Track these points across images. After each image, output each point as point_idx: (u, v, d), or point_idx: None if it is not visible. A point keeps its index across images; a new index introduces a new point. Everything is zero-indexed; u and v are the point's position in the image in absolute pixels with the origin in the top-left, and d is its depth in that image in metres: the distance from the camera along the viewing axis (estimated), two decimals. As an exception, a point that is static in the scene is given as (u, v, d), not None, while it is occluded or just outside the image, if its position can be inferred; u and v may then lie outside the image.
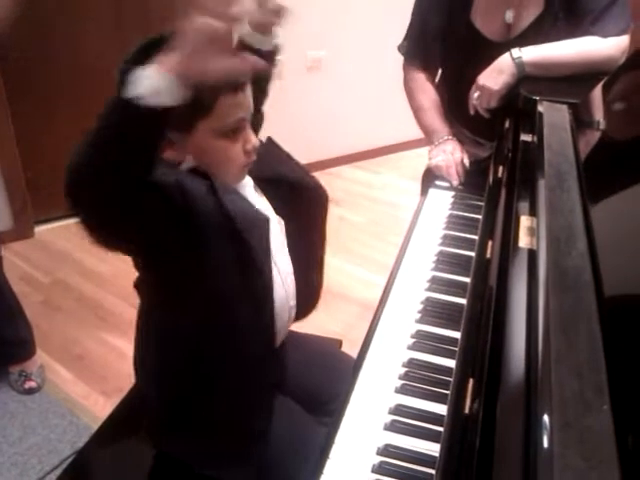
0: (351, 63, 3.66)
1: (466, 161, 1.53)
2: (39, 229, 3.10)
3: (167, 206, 0.88)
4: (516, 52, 1.37)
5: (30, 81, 2.89)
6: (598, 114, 1.27)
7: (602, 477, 0.44)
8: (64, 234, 3.06)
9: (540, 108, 1.24)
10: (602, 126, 1.21)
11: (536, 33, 1.42)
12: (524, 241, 0.82)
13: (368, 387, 0.93)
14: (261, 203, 1.06)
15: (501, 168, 1.15)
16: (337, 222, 3.25)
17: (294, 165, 1.12)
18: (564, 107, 1.25)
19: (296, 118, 3.60)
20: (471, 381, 0.62)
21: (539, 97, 1.28)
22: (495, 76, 1.40)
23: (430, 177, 1.57)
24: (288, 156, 1.12)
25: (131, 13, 3.06)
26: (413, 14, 1.63)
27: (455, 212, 1.44)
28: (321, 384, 1.23)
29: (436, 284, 1.17)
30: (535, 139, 1.12)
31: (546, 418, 0.52)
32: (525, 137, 1.19)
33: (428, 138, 1.63)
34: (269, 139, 1.11)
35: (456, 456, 0.58)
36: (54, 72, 2.93)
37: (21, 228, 3.03)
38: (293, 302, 1.12)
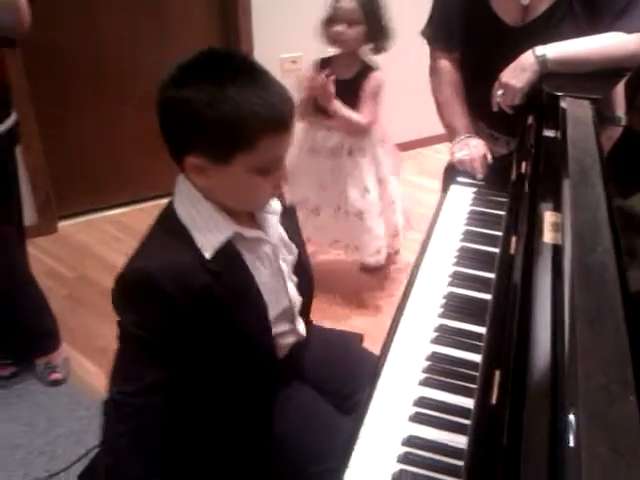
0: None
1: (489, 156, 1.53)
2: (62, 224, 3.15)
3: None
4: (539, 50, 1.37)
5: (54, 79, 2.93)
6: (619, 110, 1.27)
7: (630, 465, 0.45)
8: (87, 229, 3.11)
9: (563, 104, 1.24)
10: (623, 122, 1.21)
11: (550, 19, 1.42)
12: (549, 236, 0.83)
13: (392, 380, 0.94)
14: (277, 235, 1.09)
15: (524, 164, 1.16)
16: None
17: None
18: (587, 103, 1.25)
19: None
20: (497, 373, 0.64)
21: (562, 93, 1.28)
22: (518, 74, 1.40)
23: (451, 173, 1.58)
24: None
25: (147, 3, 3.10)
26: (434, 4, 1.65)
27: (476, 208, 1.44)
28: (344, 378, 1.24)
29: (458, 279, 1.18)
30: (558, 135, 1.13)
31: (572, 410, 0.53)
32: (548, 133, 1.20)
33: (449, 134, 1.63)
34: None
35: (483, 446, 0.59)
36: (77, 69, 2.97)
37: (45, 223, 3.08)
38: (299, 320, 1.18)
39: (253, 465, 1.11)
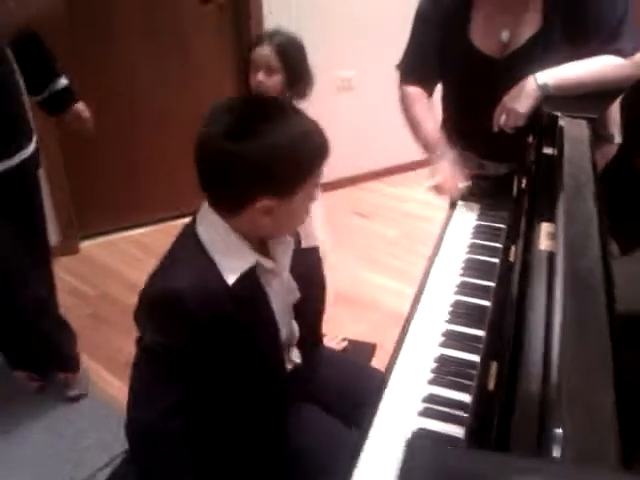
0: (381, 82, 3.77)
1: (462, 176, 1.56)
2: (84, 244, 3.27)
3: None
4: (541, 77, 1.42)
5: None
6: (613, 128, 1.33)
7: (602, 436, 0.52)
8: (108, 249, 3.22)
9: (561, 123, 1.32)
10: (617, 140, 1.28)
11: (533, 50, 1.48)
12: (544, 245, 0.91)
13: (402, 379, 1.02)
14: (284, 263, 1.13)
15: (524, 180, 1.24)
16: (369, 236, 3.34)
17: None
18: (584, 122, 1.33)
19: (329, 135, 3.72)
20: (495, 365, 0.71)
21: (560, 113, 1.36)
22: (522, 100, 1.45)
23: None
24: None
25: (164, 32, 3.22)
26: (412, 34, 1.69)
27: (482, 222, 1.52)
28: (353, 392, 1.28)
29: (464, 288, 1.25)
30: (556, 152, 1.20)
31: (556, 395, 0.60)
32: (547, 150, 1.27)
33: (425, 151, 1.66)
34: None
35: (481, 420, 0.66)
36: (97, 95, 3.09)
37: (67, 243, 3.19)
38: (294, 350, 1.25)
39: (266, 476, 1.16)
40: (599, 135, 1.31)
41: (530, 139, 1.42)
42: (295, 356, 1.25)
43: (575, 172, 1.08)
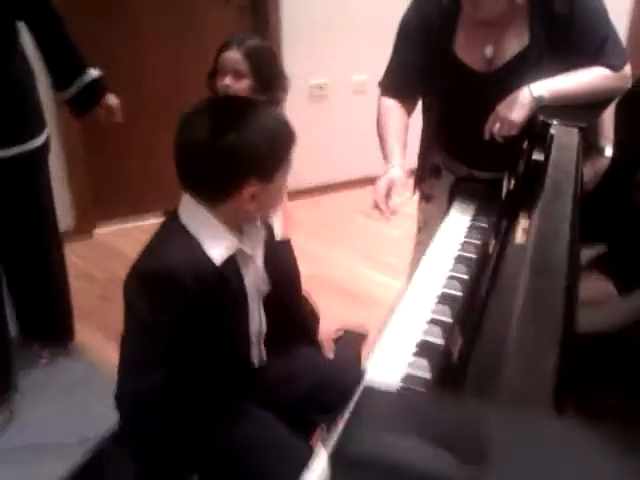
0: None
1: (396, 195, 1.48)
2: (98, 231, 3.38)
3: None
4: (535, 89, 1.46)
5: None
6: (604, 141, 1.39)
7: (540, 387, 0.61)
8: (121, 236, 3.32)
9: (553, 131, 1.39)
10: (607, 153, 1.33)
11: (519, 65, 1.51)
12: (520, 239, 0.99)
13: (385, 360, 1.10)
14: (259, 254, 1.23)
15: (513, 182, 1.31)
16: (372, 236, 3.42)
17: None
18: (575, 130, 1.40)
19: (343, 137, 3.82)
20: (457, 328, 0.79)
21: (553, 121, 1.43)
22: (517, 109, 1.47)
23: (456, 191, 1.73)
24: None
25: (185, 30, 3.33)
26: (394, 50, 1.69)
27: (476, 223, 1.59)
28: (324, 397, 1.30)
29: (452, 281, 1.33)
30: (544, 158, 1.28)
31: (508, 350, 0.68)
32: (537, 156, 1.35)
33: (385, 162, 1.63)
34: None
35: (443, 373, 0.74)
36: (118, 84, 3.17)
37: (82, 229, 3.30)
38: (262, 341, 1.30)
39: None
40: (590, 145, 1.38)
41: (525, 145, 1.49)
42: (262, 352, 1.31)
43: (558, 176, 1.16)
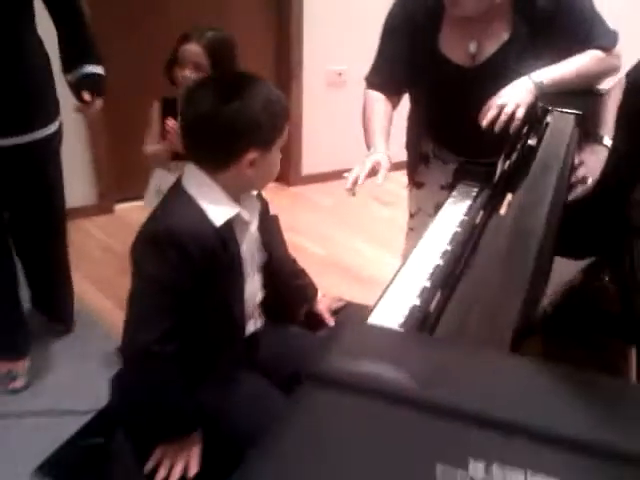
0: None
1: (380, 173, 1.49)
2: (119, 207, 3.51)
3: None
4: (535, 77, 1.50)
5: (120, 73, 3.24)
6: (603, 129, 1.41)
7: (500, 331, 0.69)
8: (140, 212, 3.40)
9: (549, 117, 1.46)
10: (605, 141, 1.36)
11: (502, 59, 1.55)
12: (504, 211, 1.07)
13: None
14: (254, 222, 1.30)
15: (507, 163, 1.39)
16: (385, 222, 3.50)
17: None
18: (571, 117, 1.47)
19: (359, 124, 3.88)
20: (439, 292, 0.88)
21: (551, 107, 1.50)
22: (522, 93, 1.49)
23: (459, 175, 1.80)
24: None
25: (209, 10, 3.41)
26: (380, 45, 1.73)
27: (475, 204, 1.66)
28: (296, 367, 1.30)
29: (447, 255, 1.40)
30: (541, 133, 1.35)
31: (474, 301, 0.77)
32: (532, 141, 1.42)
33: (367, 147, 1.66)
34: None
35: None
36: (143, 62, 3.24)
37: (103, 204, 3.43)
38: (257, 308, 1.37)
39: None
40: (589, 133, 1.42)
41: (525, 130, 1.56)
42: (257, 320, 1.37)
43: (547, 157, 1.23)
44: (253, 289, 1.33)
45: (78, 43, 1.98)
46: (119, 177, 3.41)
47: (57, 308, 2.43)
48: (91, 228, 3.29)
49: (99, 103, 2.02)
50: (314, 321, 1.51)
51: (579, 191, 1.22)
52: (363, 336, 0.66)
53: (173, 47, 1.99)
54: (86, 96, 1.94)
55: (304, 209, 3.74)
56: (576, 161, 1.31)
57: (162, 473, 1.15)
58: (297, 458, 0.48)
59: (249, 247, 1.28)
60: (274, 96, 1.18)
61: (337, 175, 4.20)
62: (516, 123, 1.47)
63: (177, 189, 1.20)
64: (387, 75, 1.71)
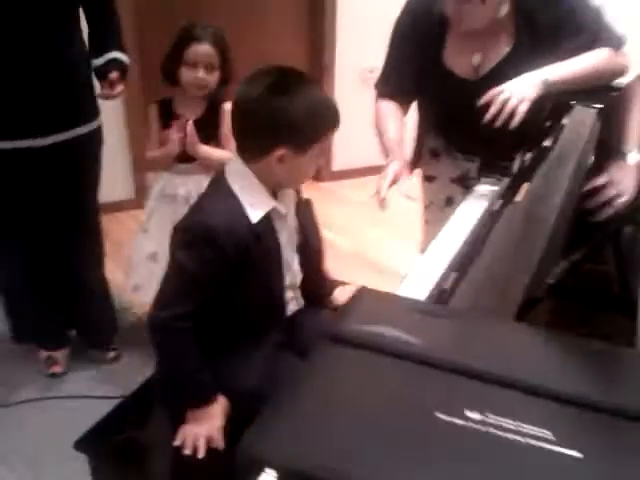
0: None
1: (403, 182, 1.57)
2: (156, 201, 3.62)
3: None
4: (542, 72, 1.48)
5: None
6: (629, 146, 1.34)
7: (507, 302, 0.74)
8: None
9: (572, 111, 1.50)
10: (630, 159, 1.29)
11: (505, 70, 1.54)
12: (519, 198, 1.12)
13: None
14: (293, 218, 1.32)
15: (527, 155, 1.43)
16: (415, 217, 3.53)
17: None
18: (593, 111, 1.49)
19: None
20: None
21: (573, 102, 1.53)
22: (528, 86, 1.45)
23: (483, 168, 1.83)
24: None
25: (245, 11, 3.50)
26: (389, 51, 1.75)
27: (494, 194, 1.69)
28: None
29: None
30: (557, 133, 1.39)
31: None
32: (551, 135, 1.45)
33: (384, 159, 1.69)
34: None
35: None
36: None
37: (140, 199, 3.54)
38: (298, 292, 1.39)
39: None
40: (611, 149, 1.36)
41: (547, 124, 1.59)
42: (299, 299, 1.40)
43: (565, 148, 1.28)
44: (293, 272, 1.36)
45: (109, 30, 2.01)
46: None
47: (96, 331, 2.37)
48: (128, 220, 3.42)
49: (122, 88, 1.97)
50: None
51: (610, 211, 1.18)
52: (374, 302, 0.72)
53: (174, 46, 1.95)
54: (114, 74, 1.91)
55: (334, 204, 3.80)
56: (603, 180, 1.25)
57: (187, 450, 1.19)
58: (314, 406, 0.54)
59: (288, 235, 1.31)
60: (322, 102, 1.18)
61: (367, 171, 4.31)
62: (518, 117, 1.42)
63: (219, 181, 1.23)
64: (396, 85, 1.74)
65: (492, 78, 1.56)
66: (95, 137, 2.03)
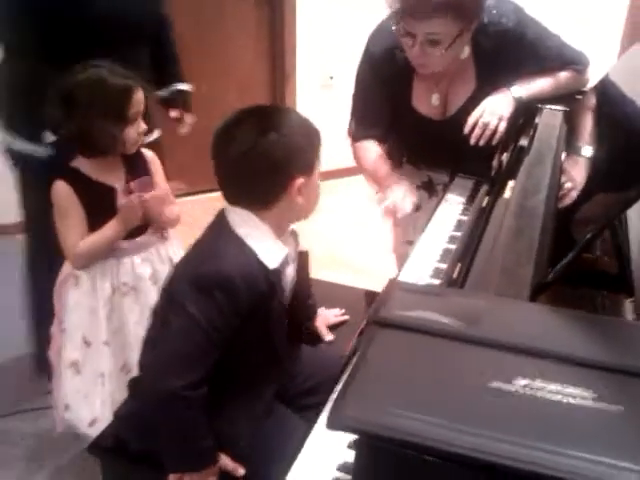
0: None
1: (412, 197, 1.64)
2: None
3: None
4: (515, 92, 1.61)
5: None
6: (582, 141, 1.45)
7: (519, 288, 0.84)
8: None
9: (541, 113, 1.62)
10: (584, 152, 1.40)
11: (473, 108, 1.61)
12: (508, 194, 1.22)
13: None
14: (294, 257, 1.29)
15: (504, 155, 1.55)
16: (382, 220, 3.64)
17: None
18: (560, 113, 1.63)
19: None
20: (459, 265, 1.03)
21: (541, 105, 1.66)
22: (505, 105, 1.59)
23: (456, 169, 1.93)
24: None
25: (209, 25, 3.54)
26: (356, 99, 1.80)
27: (477, 192, 1.79)
28: (311, 386, 1.35)
29: (453, 239, 1.55)
30: (531, 132, 1.51)
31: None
32: (525, 135, 1.57)
33: (379, 189, 1.76)
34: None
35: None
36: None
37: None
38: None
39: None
40: (568, 144, 1.49)
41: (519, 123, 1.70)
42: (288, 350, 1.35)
43: (542, 147, 1.39)
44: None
45: (169, 62, 2.01)
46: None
47: None
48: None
49: (191, 117, 2.05)
50: (311, 336, 1.53)
51: (566, 202, 1.26)
52: (405, 291, 0.80)
53: (113, 107, 1.49)
54: (173, 113, 1.98)
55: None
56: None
57: None
58: (375, 384, 0.61)
59: (289, 284, 1.28)
60: (305, 121, 1.18)
61: (333, 174, 4.38)
62: (499, 135, 1.57)
63: (224, 229, 1.16)
64: (370, 129, 1.79)
65: (458, 119, 1.64)
66: None
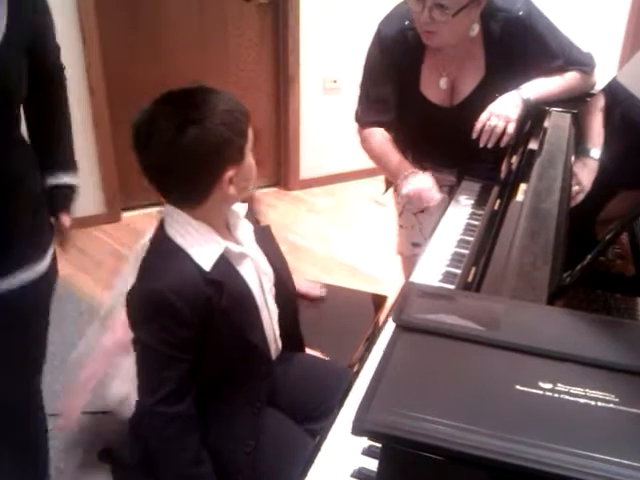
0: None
1: (435, 187, 1.62)
2: (125, 215, 3.63)
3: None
4: (524, 92, 1.61)
5: (127, 85, 3.38)
6: (590, 143, 1.43)
7: (536, 291, 0.83)
8: (146, 220, 3.55)
9: (549, 116, 1.61)
10: (592, 154, 1.36)
11: (479, 97, 1.63)
12: (520, 197, 1.21)
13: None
14: (256, 251, 1.24)
15: (514, 158, 1.54)
16: (383, 222, 3.64)
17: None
18: (568, 115, 1.62)
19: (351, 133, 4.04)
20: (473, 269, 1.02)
21: (549, 108, 1.66)
22: (512, 108, 1.58)
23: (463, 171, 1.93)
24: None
25: (210, 27, 3.55)
26: (363, 84, 1.78)
27: (487, 195, 1.78)
28: (312, 396, 1.33)
29: (462, 243, 1.54)
30: (541, 135, 1.51)
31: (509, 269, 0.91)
32: (535, 136, 1.57)
33: (394, 177, 1.77)
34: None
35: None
36: (148, 82, 3.35)
37: (111, 213, 3.54)
38: (277, 333, 1.32)
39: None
40: (581, 147, 1.52)
41: (527, 127, 1.70)
42: (278, 344, 1.33)
43: (552, 149, 1.38)
44: (268, 312, 1.28)
45: (60, 139, 1.46)
46: (124, 185, 3.52)
47: None
48: (101, 235, 3.41)
49: (67, 219, 1.43)
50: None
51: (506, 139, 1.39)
52: (427, 294, 0.79)
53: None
54: (66, 219, 1.43)
55: (304, 211, 3.88)
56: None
57: None
58: (401, 389, 0.60)
59: (254, 274, 1.22)
60: (230, 105, 1.08)
61: (333, 178, 4.39)
62: (507, 138, 1.57)
63: (160, 237, 1.13)
64: (378, 115, 1.77)
65: (467, 106, 1.65)
66: (45, 282, 1.37)
